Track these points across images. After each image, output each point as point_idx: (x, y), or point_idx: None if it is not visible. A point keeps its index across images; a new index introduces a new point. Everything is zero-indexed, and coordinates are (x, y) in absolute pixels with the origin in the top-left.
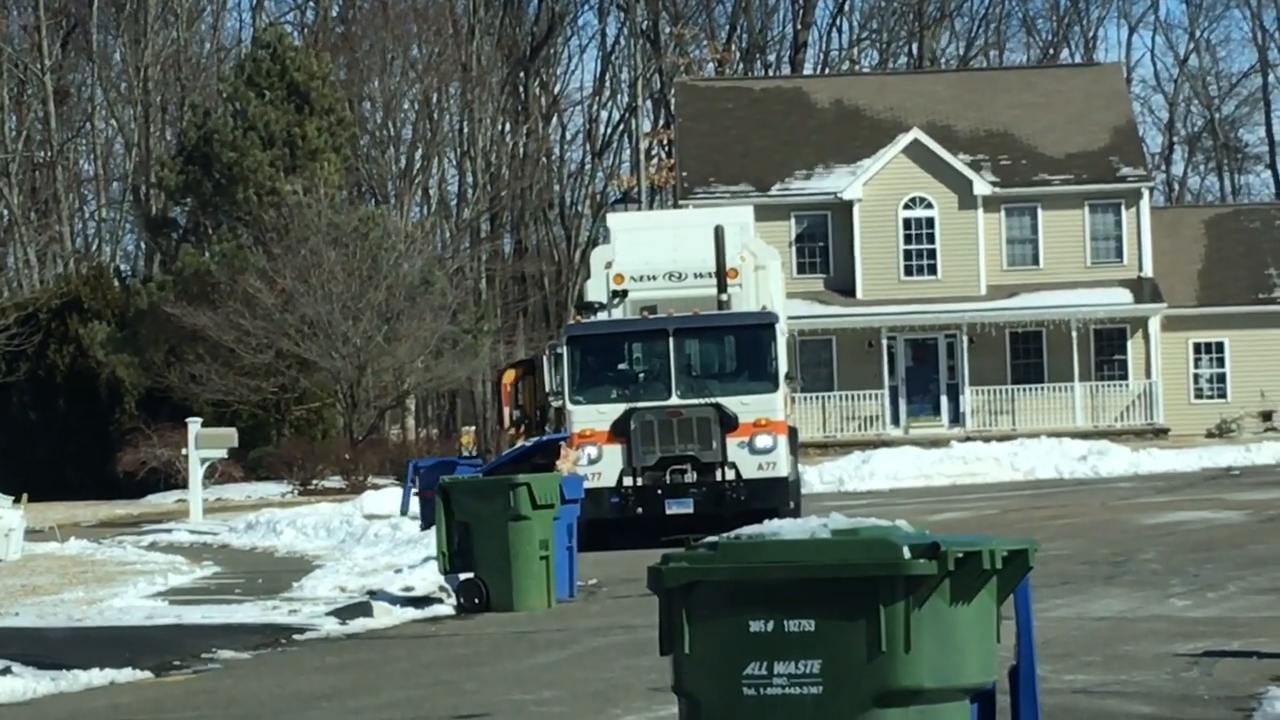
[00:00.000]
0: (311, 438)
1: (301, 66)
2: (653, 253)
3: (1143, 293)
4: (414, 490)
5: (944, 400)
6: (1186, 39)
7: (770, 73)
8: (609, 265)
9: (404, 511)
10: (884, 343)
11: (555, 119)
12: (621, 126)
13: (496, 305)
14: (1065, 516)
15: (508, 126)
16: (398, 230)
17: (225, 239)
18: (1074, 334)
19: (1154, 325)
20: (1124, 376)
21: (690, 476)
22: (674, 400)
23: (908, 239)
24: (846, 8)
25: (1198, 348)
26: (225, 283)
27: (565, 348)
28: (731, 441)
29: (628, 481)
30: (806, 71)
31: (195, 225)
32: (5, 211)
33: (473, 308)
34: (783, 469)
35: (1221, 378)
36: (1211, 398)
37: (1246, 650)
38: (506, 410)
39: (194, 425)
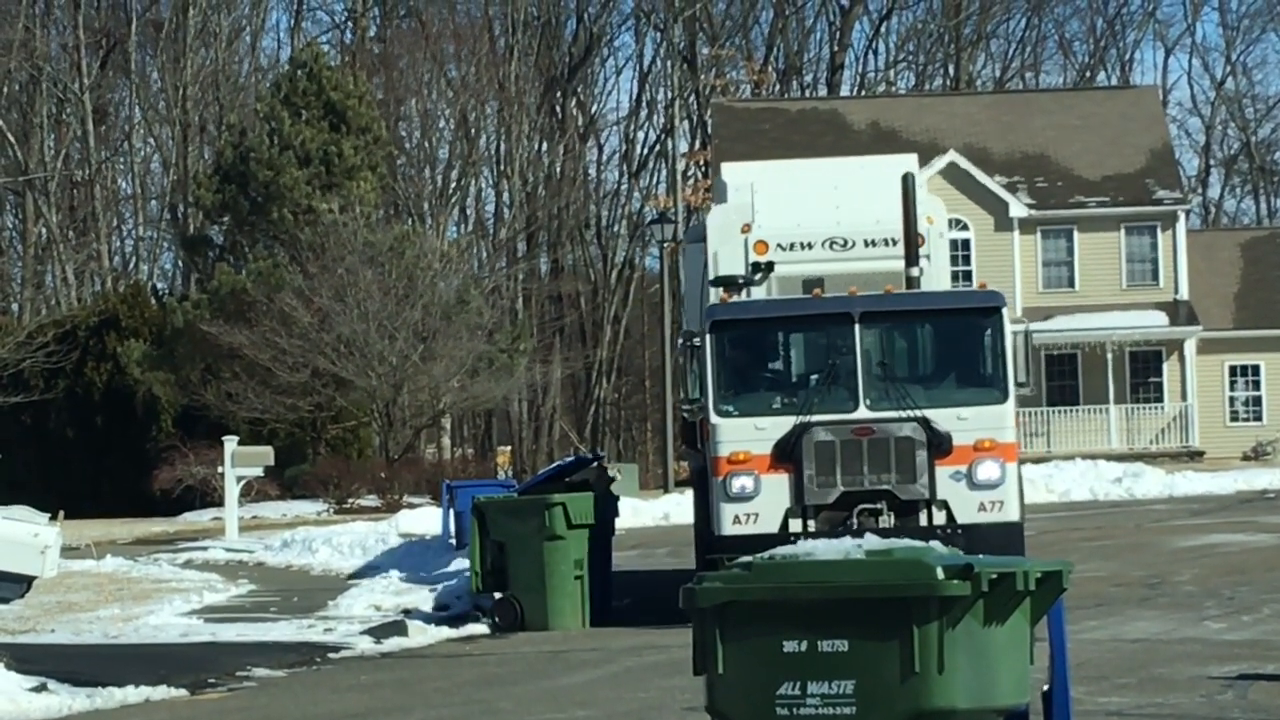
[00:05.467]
0: (347, 456)
1: (338, 85)
2: (806, 213)
3: (1178, 315)
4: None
5: None
6: (1223, 62)
7: (807, 94)
8: (746, 229)
9: (445, 533)
10: None
11: (592, 139)
12: (658, 147)
13: (532, 325)
14: (1100, 538)
15: (544, 146)
16: (434, 249)
17: (261, 257)
18: (1109, 356)
19: (1190, 348)
20: (1159, 399)
21: (886, 520)
22: (862, 412)
23: None
24: (883, 30)
25: (1234, 370)
26: (261, 301)
27: (708, 337)
28: (942, 471)
29: (796, 526)
30: (843, 93)
31: (232, 244)
32: (44, 230)
33: (509, 327)
34: (1012, 511)
35: (1258, 400)
36: (1247, 420)
37: None
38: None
39: (230, 443)
